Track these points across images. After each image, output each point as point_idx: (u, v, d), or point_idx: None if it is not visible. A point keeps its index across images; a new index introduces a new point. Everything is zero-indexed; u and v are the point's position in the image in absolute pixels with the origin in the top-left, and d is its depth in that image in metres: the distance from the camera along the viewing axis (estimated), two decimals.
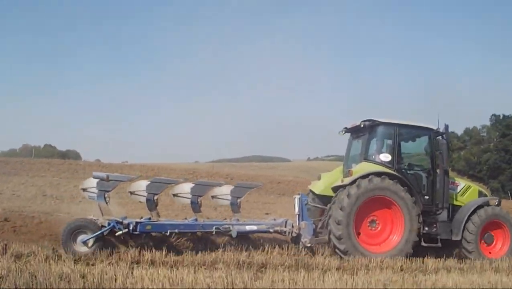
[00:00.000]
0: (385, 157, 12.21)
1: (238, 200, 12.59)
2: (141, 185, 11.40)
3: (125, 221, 10.41)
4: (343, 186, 11.63)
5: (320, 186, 12.99)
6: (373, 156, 12.41)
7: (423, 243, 12.02)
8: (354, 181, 11.45)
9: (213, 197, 12.66)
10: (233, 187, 12.65)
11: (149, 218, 11.09)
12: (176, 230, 10.87)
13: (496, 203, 13.40)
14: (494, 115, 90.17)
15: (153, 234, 11.04)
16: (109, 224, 10.26)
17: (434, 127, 12.74)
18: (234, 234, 11.17)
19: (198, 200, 11.98)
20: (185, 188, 11.99)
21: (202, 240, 11.68)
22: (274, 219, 12.35)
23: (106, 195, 10.84)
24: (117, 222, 10.34)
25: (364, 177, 11.48)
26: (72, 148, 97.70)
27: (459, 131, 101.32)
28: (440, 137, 12.60)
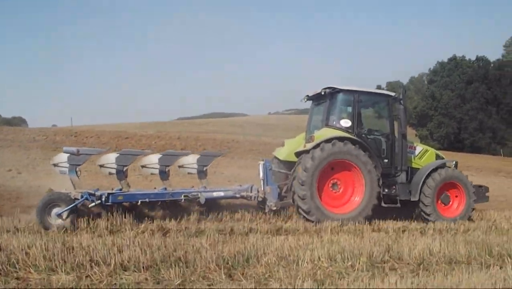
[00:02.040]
0: (346, 122, 13.47)
1: (205, 168, 13.81)
2: (110, 158, 12.50)
3: (98, 193, 11.51)
4: (306, 151, 12.84)
5: (283, 152, 14.27)
6: (334, 122, 13.60)
7: (383, 204, 13.36)
8: (317, 145, 12.64)
9: (180, 166, 13.86)
10: (199, 156, 13.86)
11: (120, 189, 12.23)
12: (147, 199, 12.01)
13: (453, 165, 14.87)
14: (438, 62, 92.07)
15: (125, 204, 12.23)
16: (82, 196, 11.35)
17: (392, 94, 14.04)
18: (202, 201, 12.44)
19: (166, 169, 13.16)
20: (153, 159, 13.14)
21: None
22: (240, 185, 13.58)
23: (77, 169, 11.92)
24: (90, 194, 11.43)
25: (328, 141, 12.68)
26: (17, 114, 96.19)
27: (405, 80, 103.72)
28: (398, 103, 13.87)
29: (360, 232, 11.42)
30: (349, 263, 7.81)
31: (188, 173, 13.97)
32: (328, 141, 12.70)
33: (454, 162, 15.08)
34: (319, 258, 7.90)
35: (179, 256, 7.75)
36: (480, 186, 15.09)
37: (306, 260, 7.74)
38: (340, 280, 6.88)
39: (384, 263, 8.08)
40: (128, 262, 7.32)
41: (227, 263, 7.57)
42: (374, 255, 8.29)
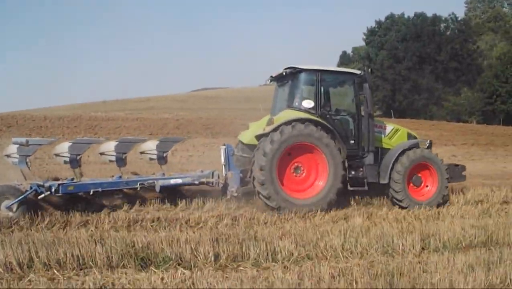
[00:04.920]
0: (308, 103, 13.37)
1: (165, 154, 13.99)
2: (64, 147, 12.76)
3: (47, 184, 11.71)
4: (266, 134, 12.80)
5: (248, 136, 14.28)
6: (296, 103, 13.55)
7: (349, 187, 13.35)
8: (277, 128, 12.57)
9: (141, 152, 14.10)
10: (158, 142, 14.04)
11: (72, 179, 12.49)
12: (100, 189, 12.15)
13: (427, 145, 14.71)
14: (376, 21, 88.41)
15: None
16: (31, 187, 11.63)
17: (358, 72, 13.91)
18: (157, 189, 12.61)
19: (123, 156, 13.36)
20: (110, 146, 13.36)
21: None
22: (202, 171, 13.71)
23: (27, 160, 12.21)
24: (39, 185, 11.68)
25: (288, 123, 12.60)
26: None
27: None
28: (364, 81, 13.71)
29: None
30: None
31: (150, 159, 14.17)
32: (288, 123, 12.62)
33: (428, 142, 14.93)
34: None
35: None
36: (457, 165, 15.01)
37: None
38: None
39: None
40: None
41: None
42: None
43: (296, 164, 13.08)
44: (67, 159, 12.70)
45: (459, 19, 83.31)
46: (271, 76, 14.63)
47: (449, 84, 77.45)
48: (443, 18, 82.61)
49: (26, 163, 12.18)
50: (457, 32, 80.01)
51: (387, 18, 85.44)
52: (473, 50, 79.58)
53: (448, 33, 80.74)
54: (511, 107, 71.61)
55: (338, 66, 69.02)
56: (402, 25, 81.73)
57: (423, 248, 8.83)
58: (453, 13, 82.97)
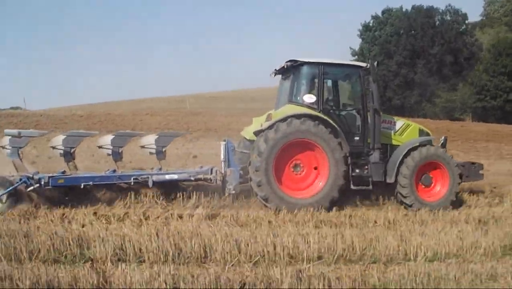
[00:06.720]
0: (309, 98, 12.79)
1: (163, 149, 13.73)
2: (59, 140, 12.70)
3: (36, 176, 11.65)
4: (262, 131, 12.36)
5: (250, 131, 13.79)
6: (298, 98, 13.03)
7: (352, 186, 12.69)
8: (272, 125, 12.14)
9: (141, 147, 13.90)
10: (157, 136, 13.80)
11: (63, 172, 12.40)
12: (91, 183, 12.01)
13: (442, 142, 13.90)
14: (372, 16, 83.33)
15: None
16: (20, 179, 11.62)
17: (363, 65, 13.24)
18: (150, 184, 12.30)
19: (120, 150, 13.19)
20: (107, 140, 13.22)
21: None
22: (201, 167, 13.37)
23: (19, 152, 12.20)
24: (28, 178, 11.64)
25: (283, 120, 12.12)
26: None
27: None
28: (369, 75, 13.04)
29: None
30: None
31: (150, 153, 13.94)
32: (283, 120, 12.14)
33: (442, 139, 14.10)
34: None
35: None
36: (473, 163, 14.14)
37: None
38: None
39: None
40: None
41: None
42: None
43: (295, 162, 12.57)
44: (62, 152, 12.65)
45: (456, 9, 76.59)
46: (275, 70, 14.14)
47: (443, 79, 72.05)
48: (440, 10, 76.65)
49: (18, 154, 12.18)
50: (452, 24, 74.43)
51: (383, 12, 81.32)
52: (470, 44, 74.07)
53: (443, 25, 75.19)
54: (500, 103, 65.29)
55: None
56: (396, 18, 77.69)
57: None
58: (449, 5, 76.72)
